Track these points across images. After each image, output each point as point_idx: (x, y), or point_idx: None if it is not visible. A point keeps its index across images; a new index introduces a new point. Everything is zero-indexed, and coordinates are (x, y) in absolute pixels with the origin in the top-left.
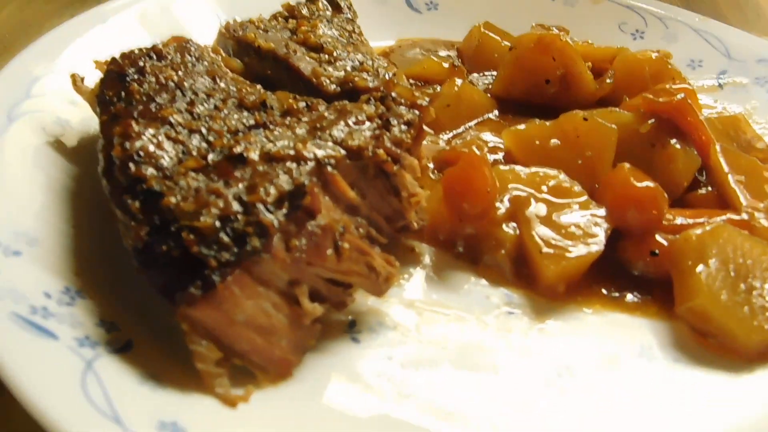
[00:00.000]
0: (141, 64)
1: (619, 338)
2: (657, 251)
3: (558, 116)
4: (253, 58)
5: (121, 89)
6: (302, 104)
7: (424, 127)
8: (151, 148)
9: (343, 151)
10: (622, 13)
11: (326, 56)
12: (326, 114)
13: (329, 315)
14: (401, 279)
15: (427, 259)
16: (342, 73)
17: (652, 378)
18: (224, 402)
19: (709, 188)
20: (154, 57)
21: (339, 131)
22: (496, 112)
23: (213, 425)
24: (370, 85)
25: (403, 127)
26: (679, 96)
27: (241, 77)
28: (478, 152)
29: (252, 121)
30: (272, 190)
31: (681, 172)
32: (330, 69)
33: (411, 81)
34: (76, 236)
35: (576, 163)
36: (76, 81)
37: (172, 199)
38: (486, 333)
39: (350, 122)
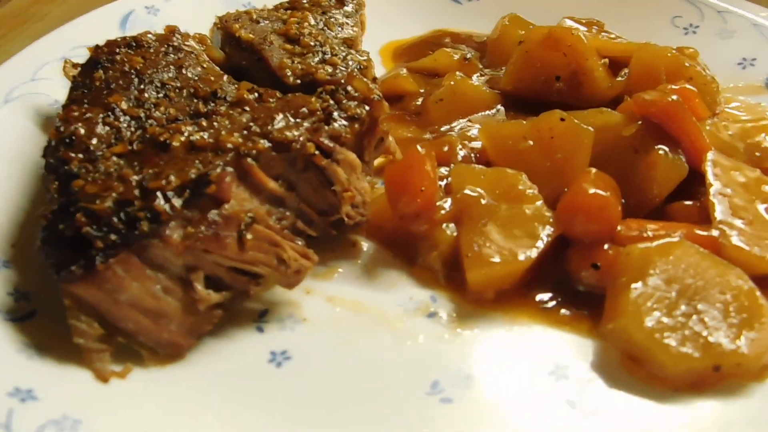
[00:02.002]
0: (116, 51)
1: (534, 353)
2: (599, 264)
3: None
4: (234, 49)
5: (89, 76)
6: (254, 95)
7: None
8: (82, 132)
9: (268, 143)
10: (677, 5)
11: (299, 48)
12: (273, 105)
13: (242, 302)
14: (335, 273)
15: (365, 256)
16: (306, 65)
17: (548, 399)
18: (97, 377)
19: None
20: (134, 45)
21: (276, 123)
22: (501, 108)
23: (73, 397)
24: (330, 77)
25: (344, 122)
26: (672, 97)
27: (218, 67)
28: (421, 149)
29: (196, 111)
30: (173, 178)
31: (661, 180)
32: (297, 61)
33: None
34: (30, 212)
35: (545, 166)
36: (66, 67)
37: (80, 181)
38: (393, 334)
39: (290, 114)
